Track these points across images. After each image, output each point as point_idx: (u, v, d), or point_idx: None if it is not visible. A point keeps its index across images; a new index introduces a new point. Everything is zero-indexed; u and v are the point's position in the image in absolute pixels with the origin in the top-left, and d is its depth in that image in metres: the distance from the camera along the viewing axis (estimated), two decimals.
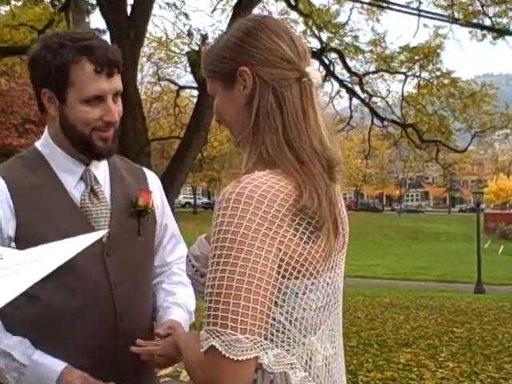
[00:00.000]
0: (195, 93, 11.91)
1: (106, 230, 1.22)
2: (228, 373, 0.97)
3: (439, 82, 13.09)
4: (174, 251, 1.74)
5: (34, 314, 1.40)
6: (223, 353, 0.96)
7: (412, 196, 72.05)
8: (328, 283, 1.10)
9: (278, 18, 1.28)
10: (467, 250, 25.51)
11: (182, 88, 14.20)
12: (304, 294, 1.06)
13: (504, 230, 38.12)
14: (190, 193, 51.76)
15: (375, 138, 17.39)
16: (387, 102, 13.84)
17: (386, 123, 13.81)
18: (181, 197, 50.34)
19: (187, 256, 1.25)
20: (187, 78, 16.05)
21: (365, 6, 11.69)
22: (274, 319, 1.04)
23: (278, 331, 1.05)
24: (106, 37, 6.72)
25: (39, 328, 1.40)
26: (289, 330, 1.06)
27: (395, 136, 14.71)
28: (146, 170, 1.72)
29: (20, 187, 1.44)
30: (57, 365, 1.37)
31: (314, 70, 1.14)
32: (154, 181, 1.70)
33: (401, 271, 22.47)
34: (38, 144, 1.54)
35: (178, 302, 1.64)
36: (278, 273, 1.03)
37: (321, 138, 1.11)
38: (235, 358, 0.96)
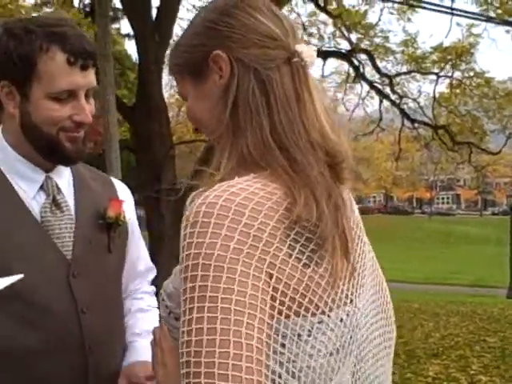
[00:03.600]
0: None
1: (21, 275, 1.01)
2: None
3: (472, 81, 12.79)
4: (138, 277, 1.54)
5: None
6: None
7: (443, 199, 70.86)
8: (343, 321, 0.84)
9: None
10: (499, 254, 24.90)
11: None
12: (310, 335, 0.80)
13: None
14: None
15: (405, 140, 17.06)
16: (418, 103, 13.59)
17: (416, 125, 13.57)
18: None
19: (160, 294, 0.97)
20: None
21: (396, 5, 11.48)
22: (269, 370, 0.77)
23: None
24: (133, 42, 6.70)
25: (3, 369, 1.21)
26: None
27: (426, 138, 14.43)
28: (113, 179, 1.52)
29: None
30: None
31: (307, 47, 0.91)
32: (123, 190, 1.49)
33: (431, 275, 22.06)
34: None
35: (134, 331, 1.45)
36: (272, 307, 0.77)
37: (321, 128, 0.88)
38: None
